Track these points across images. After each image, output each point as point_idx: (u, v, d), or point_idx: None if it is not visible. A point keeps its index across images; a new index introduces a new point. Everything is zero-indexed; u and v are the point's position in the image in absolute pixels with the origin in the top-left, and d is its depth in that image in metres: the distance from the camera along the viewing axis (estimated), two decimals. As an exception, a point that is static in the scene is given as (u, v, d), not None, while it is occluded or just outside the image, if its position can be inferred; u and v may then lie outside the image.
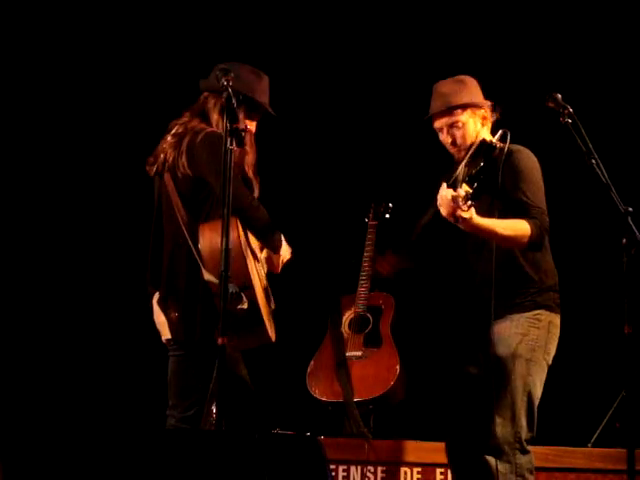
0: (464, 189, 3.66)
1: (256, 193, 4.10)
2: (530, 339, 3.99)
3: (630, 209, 3.64)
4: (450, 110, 4.09)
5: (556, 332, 4.08)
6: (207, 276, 3.75)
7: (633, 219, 3.63)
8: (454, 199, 3.63)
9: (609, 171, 3.68)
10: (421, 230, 4.17)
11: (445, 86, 4.15)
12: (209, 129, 3.96)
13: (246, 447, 3.03)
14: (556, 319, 4.08)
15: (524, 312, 4.01)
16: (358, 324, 5.16)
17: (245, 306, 3.70)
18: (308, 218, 5.95)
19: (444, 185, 3.73)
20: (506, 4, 5.97)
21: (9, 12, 5.78)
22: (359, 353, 5.05)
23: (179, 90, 5.11)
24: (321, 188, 6.00)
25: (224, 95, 3.46)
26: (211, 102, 4.03)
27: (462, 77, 4.19)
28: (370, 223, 5.29)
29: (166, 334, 3.99)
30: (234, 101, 3.41)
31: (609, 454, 4.75)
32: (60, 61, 5.88)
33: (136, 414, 5.12)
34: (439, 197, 3.74)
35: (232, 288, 3.61)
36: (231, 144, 3.39)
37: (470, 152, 3.97)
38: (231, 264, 3.44)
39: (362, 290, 5.19)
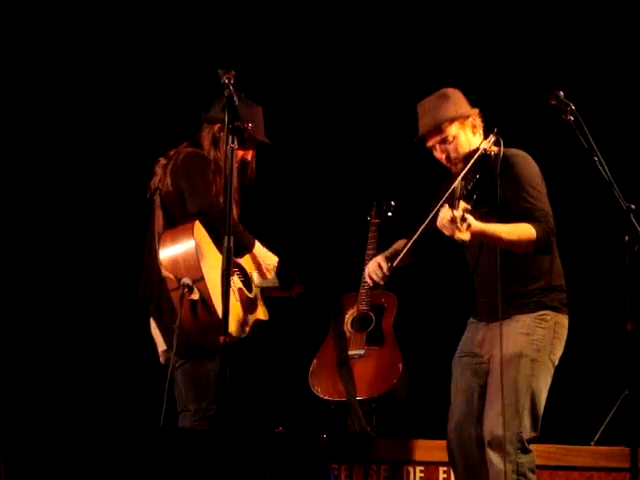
0: (461, 207, 3.67)
1: (235, 214, 4.25)
2: (535, 339, 3.98)
3: (632, 206, 3.63)
4: (438, 127, 4.10)
5: (563, 332, 4.07)
6: (165, 273, 4.00)
7: (635, 216, 3.62)
8: (452, 220, 3.64)
9: (611, 168, 3.67)
10: (423, 230, 4.17)
11: (428, 103, 4.16)
12: (193, 150, 4.22)
13: (249, 446, 3.03)
14: (563, 320, 4.07)
15: (530, 312, 4.01)
16: (360, 322, 5.16)
17: (196, 297, 3.89)
18: (311, 216, 5.96)
19: (446, 207, 3.73)
20: (508, 2, 5.96)
21: (10, 13, 5.77)
22: (362, 352, 5.05)
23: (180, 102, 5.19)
24: (324, 186, 6.00)
25: (225, 93, 3.46)
26: (205, 131, 4.29)
27: (444, 91, 4.18)
28: (372, 221, 5.30)
29: (161, 345, 4.16)
30: (235, 99, 3.41)
31: (612, 452, 4.74)
32: (64, 69, 5.89)
33: (137, 414, 5.13)
34: (438, 219, 3.76)
35: (186, 280, 3.89)
36: (232, 142, 3.40)
37: (468, 165, 3.97)
38: (185, 261, 3.91)
39: (364, 289, 5.19)
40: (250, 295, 4.29)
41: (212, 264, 3.97)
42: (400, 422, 5.17)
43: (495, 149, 4.01)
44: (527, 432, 3.93)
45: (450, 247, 4.17)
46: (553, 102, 3.76)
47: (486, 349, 4.09)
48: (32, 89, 5.87)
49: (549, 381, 4.02)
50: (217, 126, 4.24)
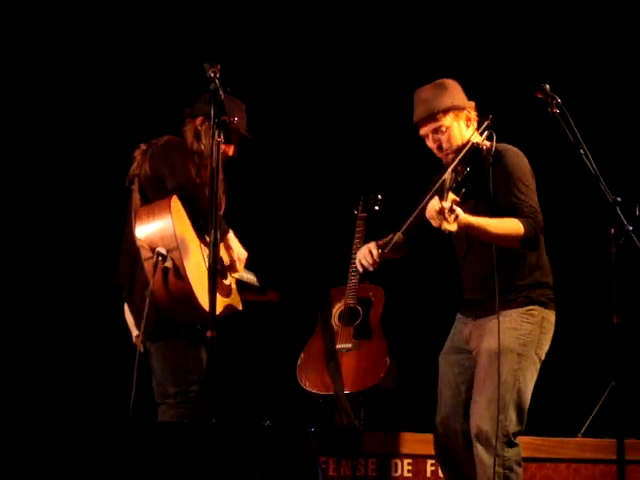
0: (450, 199, 3.69)
1: (221, 211, 4.24)
2: (522, 334, 3.98)
3: (618, 199, 3.64)
4: (433, 116, 4.09)
5: (550, 328, 4.07)
6: (139, 243, 4.03)
7: (621, 209, 3.63)
8: (441, 211, 3.64)
9: (597, 161, 3.68)
10: (412, 223, 4.17)
11: (425, 92, 4.14)
12: (171, 137, 4.24)
13: (237, 439, 3.03)
14: (550, 315, 4.08)
15: (517, 307, 4.01)
16: (348, 316, 5.16)
17: (169, 265, 3.93)
18: (298, 210, 5.95)
19: (436, 198, 3.74)
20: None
21: (8, 13, 5.75)
22: (349, 345, 5.05)
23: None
24: (310, 180, 6.00)
25: (211, 87, 3.46)
26: (187, 125, 4.29)
27: (442, 81, 4.18)
28: (359, 215, 5.30)
29: (134, 330, 4.17)
30: (221, 93, 3.41)
31: (599, 444, 4.76)
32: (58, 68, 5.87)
33: (124, 409, 5.11)
34: (427, 210, 3.77)
35: (160, 250, 3.94)
36: (219, 136, 3.40)
37: (459, 157, 3.97)
38: (160, 231, 3.97)
39: (352, 282, 5.19)
40: (225, 282, 4.31)
41: (187, 239, 4.03)
42: (388, 415, 5.18)
43: (487, 143, 4.01)
44: (513, 426, 3.93)
45: (439, 241, 4.18)
46: (539, 95, 3.76)
47: (473, 344, 4.10)
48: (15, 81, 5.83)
49: (535, 376, 4.02)
50: (199, 119, 4.26)
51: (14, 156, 5.82)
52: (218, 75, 3.49)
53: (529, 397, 4.00)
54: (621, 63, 5.88)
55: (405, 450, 4.69)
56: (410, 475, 4.68)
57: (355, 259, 5.23)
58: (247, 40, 5.94)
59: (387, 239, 4.19)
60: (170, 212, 4.01)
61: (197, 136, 4.25)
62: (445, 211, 3.63)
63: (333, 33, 6.04)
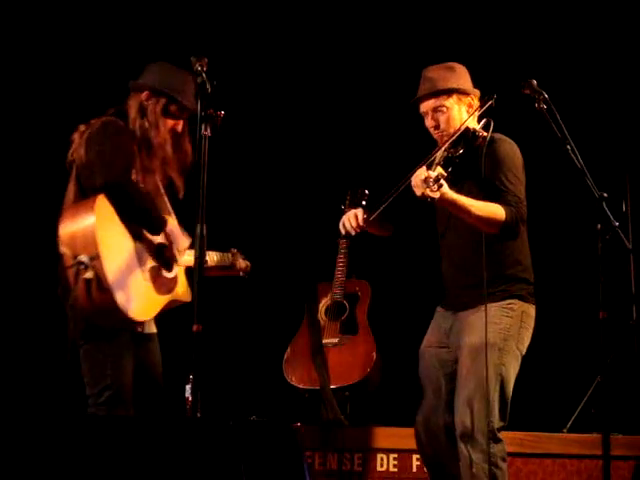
0: (437, 171, 3.71)
1: (180, 194, 4.09)
2: (502, 328, 3.97)
3: (605, 194, 3.65)
4: (436, 94, 4.09)
5: (530, 322, 4.06)
6: (62, 249, 3.80)
7: (608, 204, 3.64)
8: (426, 180, 3.65)
9: (584, 157, 3.69)
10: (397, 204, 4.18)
11: (433, 71, 4.15)
12: (108, 118, 3.96)
13: (222, 434, 3.02)
14: (530, 309, 4.07)
15: (497, 301, 4.00)
16: (334, 311, 5.17)
17: (90, 275, 3.71)
18: (284, 206, 5.95)
19: (423, 167, 3.75)
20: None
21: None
22: (335, 340, 5.06)
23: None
24: (297, 175, 5.99)
25: (198, 80, 3.44)
26: (132, 99, 4.03)
27: (452, 64, 4.19)
28: (346, 210, 5.28)
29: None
30: (208, 86, 3.39)
31: (585, 439, 4.77)
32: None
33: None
34: (413, 177, 3.78)
35: (82, 257, 3.68)
36: (205, 130, 3.38)
37: (452, 138, 3.97)
38: (83, 237, 3.71)
39: (338, 277, 5.19)
40: (168, 275, 4.03)
41: (113, 242, 3.81)
42: (374, 410, 5.18)
43: (484, 133, 4.00)
44: (497, 421, 3.92)
45: (423, 218, 4.18)
46: (526, 91, 3.77)
47: (453, 338, 4.08)
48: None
49: (517, 370, 4.01)
50: (145, 93, 3.99)
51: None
52: (205, 69, 3.48)
53: (511, 392, 3.99)
54: (608, 58, 5.89)
55: (391, 445, 4.69)
56: (396, 470, 4.68)
57: (341, 255, 5.25)
58: (233, 32, 5.92)
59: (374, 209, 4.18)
60: (93, 214, 3.75)
61: (141, 112, 3.98)
62: (430, 180, 3.64)
63: (325, 26, 6.02)
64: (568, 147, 3.67)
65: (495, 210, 3.89)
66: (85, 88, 5.60)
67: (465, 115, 4.10)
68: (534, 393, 5.41)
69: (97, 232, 3.73)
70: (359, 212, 4.15)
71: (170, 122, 4.00)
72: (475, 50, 5.81)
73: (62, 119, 4.51)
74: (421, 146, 4.21)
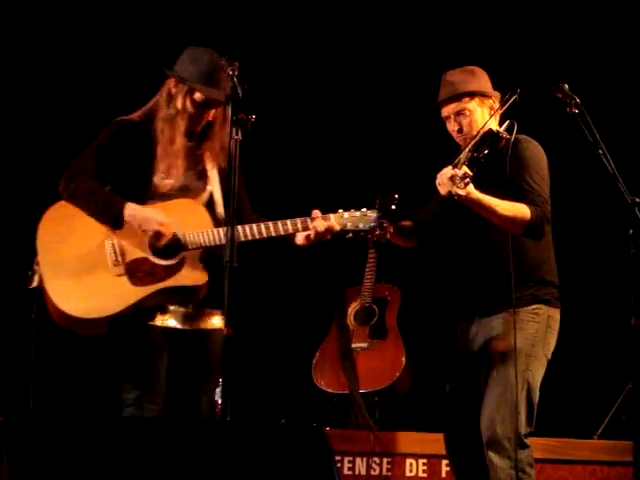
0: (463, 169, 3.71)
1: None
2: (529, 333, 3.95)
3: (637, 199, 3.62)
4: (458, 97, 4.08)
5: (555, 327, 4.04)
6: None
7: (640, 210, 3.61)
8: (452, 178, 3.65)
9: (616, 162, 3.66)
10: (427, 214, 4.17)
11: (454, 75, 4.14)
12: (116, 118, 3.92)
13: (252, 438, 3.02)
14: (555, 314, 4.04)
15: (523, 306, 3.98)
16: (364, 316, 5.17)
17: (34, 284, 3.73)
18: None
19: (449, 166, 3.75)
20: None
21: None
22: (365, 345, 5.05)
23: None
24: (327, 179, 5.99)
25: (230, 84, 3.45)
26: (163, 86, 3.92)
27: (472, 67, 4.18)
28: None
29: None
30: (239, 90, 3.39)
31: (615, 446, 4.74)
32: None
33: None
34: (438, 175, 3.77)
35: (35, 265, 3.73)
36: (237, 134, 3.38)
37: (475, 139, 3.95)
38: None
39: (368, 282, 5.18)
40: (162, 262, 3.77)
41: (68, 245, 3.75)
42: (403, 415, 5.17)
43: (507, 135, 3.98)
44: (524, 427, 3.90)
45: (450, 231, 4.16)
46: (558, 95, 3.75)
47: (479, 343, 4.07)
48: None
49: (542, 375, 3.99)
50: (172, 81, 3.89)
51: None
52: (237, 73, 3.48)
53: (537, 397, 3.97)
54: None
55: (420, 450, 4.67)
56: (425, 475, 4.67)
57: (371, 259, 5.25)
58: (259, 35, 5.92)
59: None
60: (42, 221, 3.78)
61: (169, 99, 3.88)
62: (457, 178, 3.64)
63: (352, 29, 6.02)
64: (600, 152, 3.64)
65: (520, 209, 3.87)
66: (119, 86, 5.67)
67: (487, 118, 4.08)
68: (565, 399, 5.38)
69: (38, 238, 3.74)
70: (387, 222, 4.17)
71: (196, 110, 3.86)
72: (506, 54, 5.80)
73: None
74: (448, 150, 4.20)
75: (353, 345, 5.06)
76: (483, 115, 4.08)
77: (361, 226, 3.92)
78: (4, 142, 5.76)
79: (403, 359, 4.93)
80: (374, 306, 5.19)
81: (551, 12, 5.94)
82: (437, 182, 3.78)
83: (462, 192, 3.67)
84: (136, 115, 3.94)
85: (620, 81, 5.86)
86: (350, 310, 5.23)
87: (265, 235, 3.78)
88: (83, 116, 5.56)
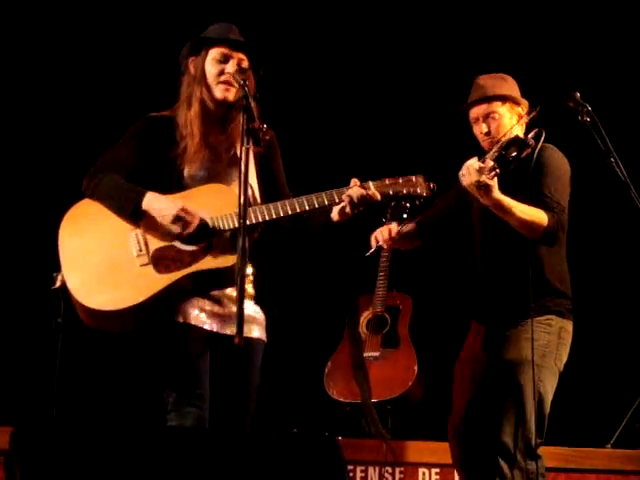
0: (492, 163, 3.67)
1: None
2: (540, 344, 3.92)
3: (651, 208, 3.62)
4: (489, 100, 4.08)
5: (568, 338, 4.01)
6: None
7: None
8: (480, 169, 3.64)
9: (628, 170, 3.66)
10: (432, 215, 4.17)
11: (486, 79, 4.14)
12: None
13: (264, 447, 3.02)
14: (568, 325, 4.02)
15: (535, 317, 3.95)
16: (376, 324, 5.16)
17: (58, 284, 3.68)
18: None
19: (474, 158, 3.72)
20: (526, 3, 5.96)
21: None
22: (377, 354, 5.05)
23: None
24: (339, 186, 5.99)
25: (241, 94, 3.45)
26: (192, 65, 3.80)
27: (503, 74, 4.19)
28: (387, 223, 5.27)
29: None
30: (251, 100, 3.39)
31: (629, 455, 4.73)
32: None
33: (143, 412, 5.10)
34: (464, 167, 3.74)
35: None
36: (248, 143, 3.37)
37: (501, 143, 3.91)
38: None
39: (380, 290, 5.18)
40: (187, 248, 3.67)
41: (90, 241, 3.71)
42: (415, 424, 5.16)
43: (534, 142, 3.96)
44: (535, 438, 3.88)
45: (453, 233, 4.16)
46: (570, 103, 3.75)
47: (489, 353, 4.05)
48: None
49: (554, 386, 3.96)
50: (190, 60, 3.79)
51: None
52: (247, 82, 3.48)
53: (549, 408, 3.96)
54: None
55: (432, 459, 4.67)
56: (438, 484, 4.66)
57: (383, 267, 5.24)
58: (284, 32, 5.92)
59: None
60: (63, 222, 3.73)
61: (189, 79, 3.74)
62: (485, 169, 3.62)
63: (378, 31, 6.03)
64: (612, 160, 3.64)
65: (538, 214, 3.85)
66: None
67: (515, 124, 4.07)
68: (578, 408, 5.36)
69: (60, 241, 3.70)
70: (392, 227, 4.16)
71: (217, 67, 3.73)
72: (519, 62, 5.80)
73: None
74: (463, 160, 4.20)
75: (365, 354, 5.05)
76: (512, 121, 4.08)
77: (405, 191, 3.77)
78: (29, 144, 5.78)
79: (415, 368, 4.93)
80: (386, 315, 5.18)
81: (563, 22, 5.94)
82: (461, 173, 3.74)
83: (491, 182, 3.65)
84: (167, 111, 3.85)
85: (631, 89, 5.86)
86: (362, 319, 5.23)
87: (299, 210, 3.63)
88: (112, 116, 5.58)
